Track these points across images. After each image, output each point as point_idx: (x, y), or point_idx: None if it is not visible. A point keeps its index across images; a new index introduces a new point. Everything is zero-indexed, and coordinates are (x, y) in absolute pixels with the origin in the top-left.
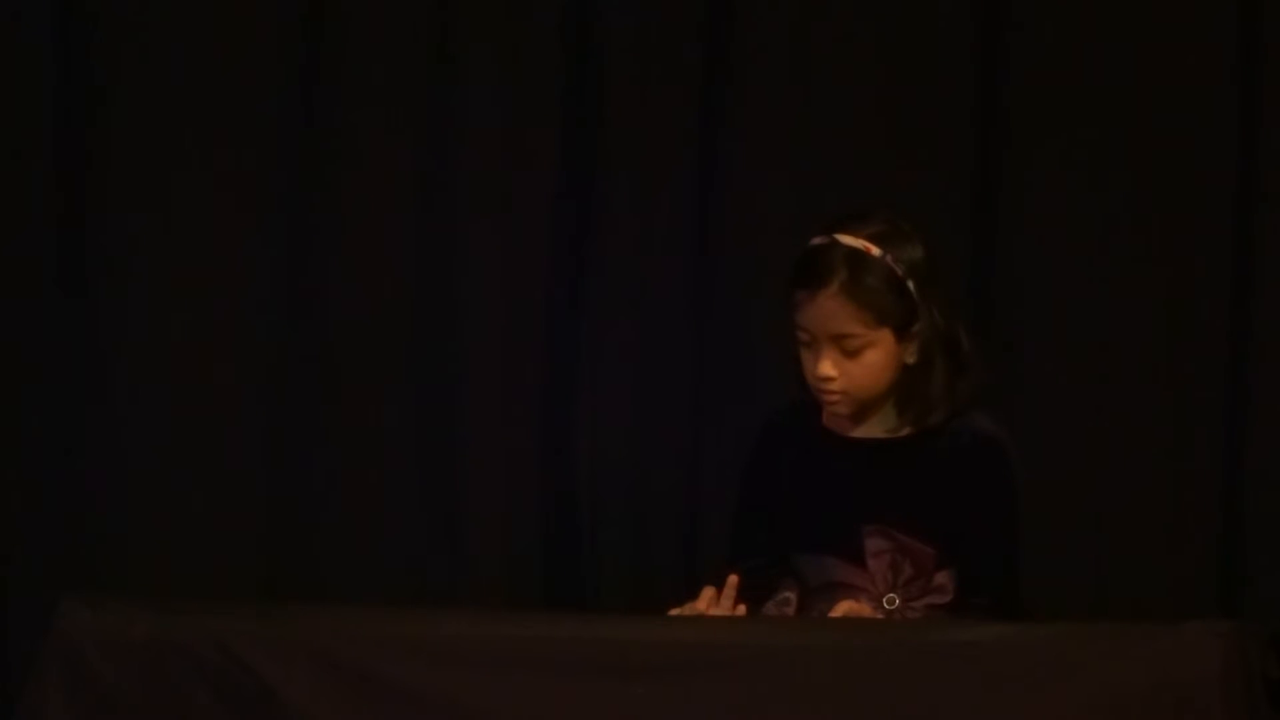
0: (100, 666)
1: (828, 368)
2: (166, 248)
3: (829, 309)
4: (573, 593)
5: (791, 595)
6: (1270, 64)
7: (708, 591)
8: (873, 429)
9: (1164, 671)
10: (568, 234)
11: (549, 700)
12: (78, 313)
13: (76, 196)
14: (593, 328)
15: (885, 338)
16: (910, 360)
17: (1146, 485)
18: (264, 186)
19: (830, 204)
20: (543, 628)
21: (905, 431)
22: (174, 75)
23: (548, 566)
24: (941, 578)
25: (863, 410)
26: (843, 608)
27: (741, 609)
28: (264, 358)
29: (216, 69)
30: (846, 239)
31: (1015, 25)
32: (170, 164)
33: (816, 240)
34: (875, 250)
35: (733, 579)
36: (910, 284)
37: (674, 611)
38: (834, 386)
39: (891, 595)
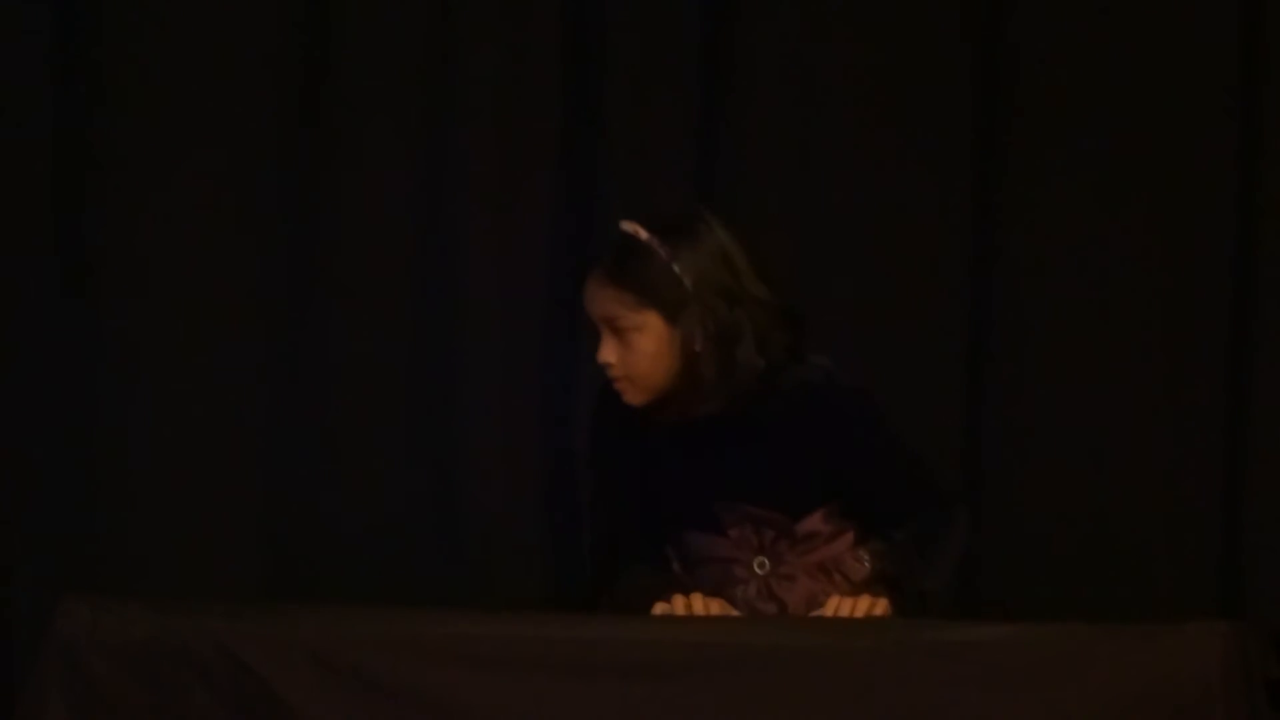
0: (100, 666)
1: (604, 353)
2: (167, 247)
3: (593, 291)
4: (574, 592)
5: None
6: (1272, 65)
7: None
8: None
9: (1164, 671)
10: (568, 234)
11: (549, 700)
12: (78, 312)
13: (76, 197)
14: (593, 328)
15: (653, 321)
16: (698, 349)
17: (1146, 485)
18: (264, 186)
19: (830, 204)
20: (543, 628)
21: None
22: (174, 75)
23: (548, 565)
24: (812, 522)
25: (653, 398)
26: (831, 605)
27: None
28: (264, 357)
29: (216, 69)
30: (627, 225)
31: (1016, 26)
32: (170, 164)
33: None
34: (643, 234)
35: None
36: (676, 267)
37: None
38: (613, 372)
39: (762, 559)
